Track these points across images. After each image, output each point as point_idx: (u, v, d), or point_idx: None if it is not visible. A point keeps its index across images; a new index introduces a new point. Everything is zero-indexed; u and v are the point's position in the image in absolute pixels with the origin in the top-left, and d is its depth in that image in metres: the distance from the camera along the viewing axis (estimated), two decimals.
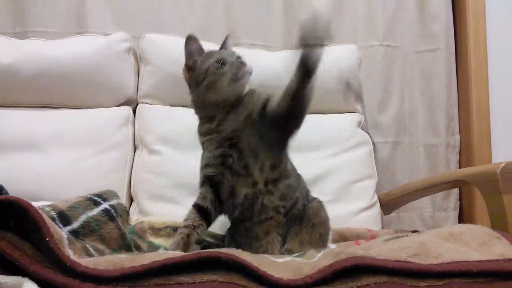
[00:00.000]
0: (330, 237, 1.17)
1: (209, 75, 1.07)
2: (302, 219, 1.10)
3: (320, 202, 1.16)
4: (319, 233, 1.08)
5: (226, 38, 1.22)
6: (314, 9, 1.91)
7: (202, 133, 1.11)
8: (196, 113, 1.14)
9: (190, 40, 1.13)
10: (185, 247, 0.97)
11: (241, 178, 1.05)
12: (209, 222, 1.06)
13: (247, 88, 1.12)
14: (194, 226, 1.01)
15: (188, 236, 0.99)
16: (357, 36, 1.95)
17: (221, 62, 1.07)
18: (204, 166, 1.08)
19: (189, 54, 1.13)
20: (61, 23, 1.81)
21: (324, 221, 1.12)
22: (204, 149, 1.10)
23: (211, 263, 0.71)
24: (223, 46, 1.21)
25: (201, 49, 1.14)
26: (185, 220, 1.03)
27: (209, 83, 1.07)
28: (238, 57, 1.11)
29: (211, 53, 1.12)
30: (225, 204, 1.08)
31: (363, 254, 0.78)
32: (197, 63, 1.10)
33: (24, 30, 1.79)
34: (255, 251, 0.96)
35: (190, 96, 1.14)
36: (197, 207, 1.05)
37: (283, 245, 1.06)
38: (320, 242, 1.08)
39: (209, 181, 1.07)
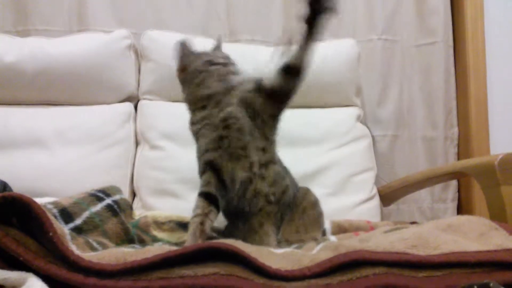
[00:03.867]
0: (325, 221, 1.21)
1: (199, 74, 1.15)
2: (293, 206, 1.12)
3: (307, 188, 1.19)
4: (312, 216, 1.10)
5: (219, 40, 1.31)
6: None
7: (196, 121, 1.12)
8: (189, 107, 1.18)
9: (182, 45, 1.22)
10: (202, 234, 0.96)
11: (239, 161, 1.04)
12: (218, 208, 1.05)
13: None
14: (206, 213, 1.00)
15: (202, 223, 0.97)
16: (356, 30, 1.95)
17: (210, 63, 1.16)
18: (203, 152, 1.08)
19: (181, 57, 1.21)
20: (62, 21, 1.81)
21: (313, 203, 1.14)
22: (199, 137, 1.10)
23: (212, 256, 0.72)
24: (216, 47, 1.30)
25: (191, 51, 1.22)
26: (194, 210, 1.02)
27: (200, 81, 1.14)
28: (227, 57, 1.23)
29: (201, 54, 1.21)
30: (228, 189, 1.06)
31: (362, 247, 0.79)
32: (188, 64, 1.19)
33: (26, 28, 1.79)
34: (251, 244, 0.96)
35: (183, 94, 1.21)
36: (203, 195, 1.04)
37: (278, 231, 1.06)
38: (315, 224, 1.09)
39: (210, 166, 1.06)
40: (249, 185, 1.05)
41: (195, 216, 1.00)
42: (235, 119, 1.05)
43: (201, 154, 1.09)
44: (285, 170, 1.17)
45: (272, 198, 1.06)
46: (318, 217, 1.13)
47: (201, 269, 0.70)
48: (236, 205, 1.07)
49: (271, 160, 1.08)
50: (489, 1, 1.95)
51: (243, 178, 1.04)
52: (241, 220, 1.08)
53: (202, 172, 1.09)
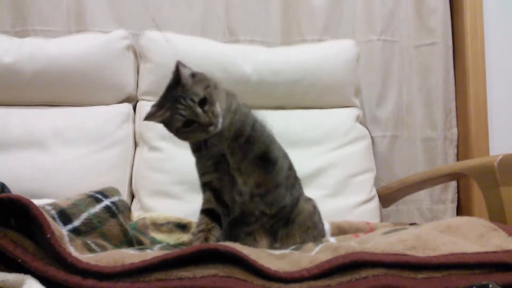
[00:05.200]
0: (324, 222, 1.20)
1: (179, 135, 1.02)
2: (292, 221, 1.10)
3: (314, 206, 1.16)
4: (312, 236, 1.09)
5: (177, 66, 1.01)
6: (312, 5, 1.92)
7: (192, 150, 1.09)
8: None
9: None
10: None
11: (235, 184, 1.06)
12: (220, 224, 1.06)
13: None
14: (209, 229, 1.01)
15: (207, 239, 0.98)
16: (355, 31, 1.95)
17: (188, 123, 0.97)
18: (201, 174, 1.09)
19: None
20: (61, 22, 1.80)
21: (317, 225, 1.13)
22: (196, 158, 1.09)
23: (211, 258, 0.72)
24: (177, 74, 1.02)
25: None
26: (197, 226, 1.03)
27: (183, 138, 1.04)
28: (204, 100, 0.97)
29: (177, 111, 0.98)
30: (230, 208, 1.08)
31: (361, 249, 0.78)
32: (167, 122, 1.02)
33: (24, 29, 1.79)
34: None
35: None
36: (205, 212, 1.06)
37: (273, 242, 1.07)
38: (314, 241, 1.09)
39: (208, 186, 1.08)
40: (242, 206, 1.07)
41: (199, 231, 1.01)
42: (226, 155, 1.04)
43: (199, 174, 1.10)
44: (294, 183, 1.15)
45: (268, 211, 1.07)
46: (318, 237, 1.12)
47: (200, 271, 0.69)
48: (235, 217, 1.09)
49: (269, 190, 1.06)
50: (488, 2, 1.95)
51: (239, 200, 1.06)
52: (234, 228, 1.08)
53: (202, 190, 1.10)
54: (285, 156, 1.15)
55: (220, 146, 1.03)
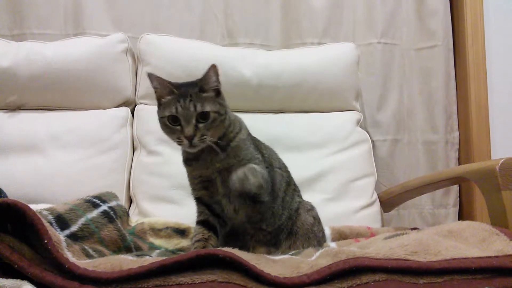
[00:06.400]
0: (325, 227, 1.20)
1: (161, 123, 0.99)
2: (295, 233, 1.10)
3: (314, 217, 1.15)
4: (313, 245, 1.09)
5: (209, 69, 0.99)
6: (312, 7, 1.91)
7: (184, 160, 1.07)
8: None
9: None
10: None
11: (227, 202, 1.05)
12: (217, 234, 1.06)
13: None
14: (206, 238, 1.01)
15: (204, 248, 0.98)
16: (355, 34, 1.94)
17: (174, 119, 0.95)
18: (192, 188, 1.09)
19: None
20: (58, 25, 1.80)
21: (317, 234, 1.13)
22: (187, 171, 1.08)
23: (210, 263, 0.71)
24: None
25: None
26: (195, 237, 1.03)
27: (163, 130, 1.01)
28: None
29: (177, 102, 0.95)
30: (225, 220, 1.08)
31: (362, 254, 0.78)
32: (162, 102, 0.99)
33: (21, 32, 1.78)
34: None
35: None
36: (201, 223, 1.06)
37: (272, 250, 1.07)
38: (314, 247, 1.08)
39: (199, 201, 1.08)
40: (237, 227, 1.07)
41: (196, 241, 1.01)
42: (216, 179, 1.03)
43: (191, 187, 1.09)
44: (292, 198, 1.14)
45: (264, 228, 1.06)
46: (320, 244, 1.12)
47: (198, 277, 0.69)
48: (229, 229, 1.09)
49: (262, 218, 1.05)
50: (489, 5, 1.95)
51: (229, 223, 1.07)
52: (229, 241, 1.07)
53: (195, 203, 1.09)
54: (283, 169, 1.14)
55: (207, 172, 1.02)
